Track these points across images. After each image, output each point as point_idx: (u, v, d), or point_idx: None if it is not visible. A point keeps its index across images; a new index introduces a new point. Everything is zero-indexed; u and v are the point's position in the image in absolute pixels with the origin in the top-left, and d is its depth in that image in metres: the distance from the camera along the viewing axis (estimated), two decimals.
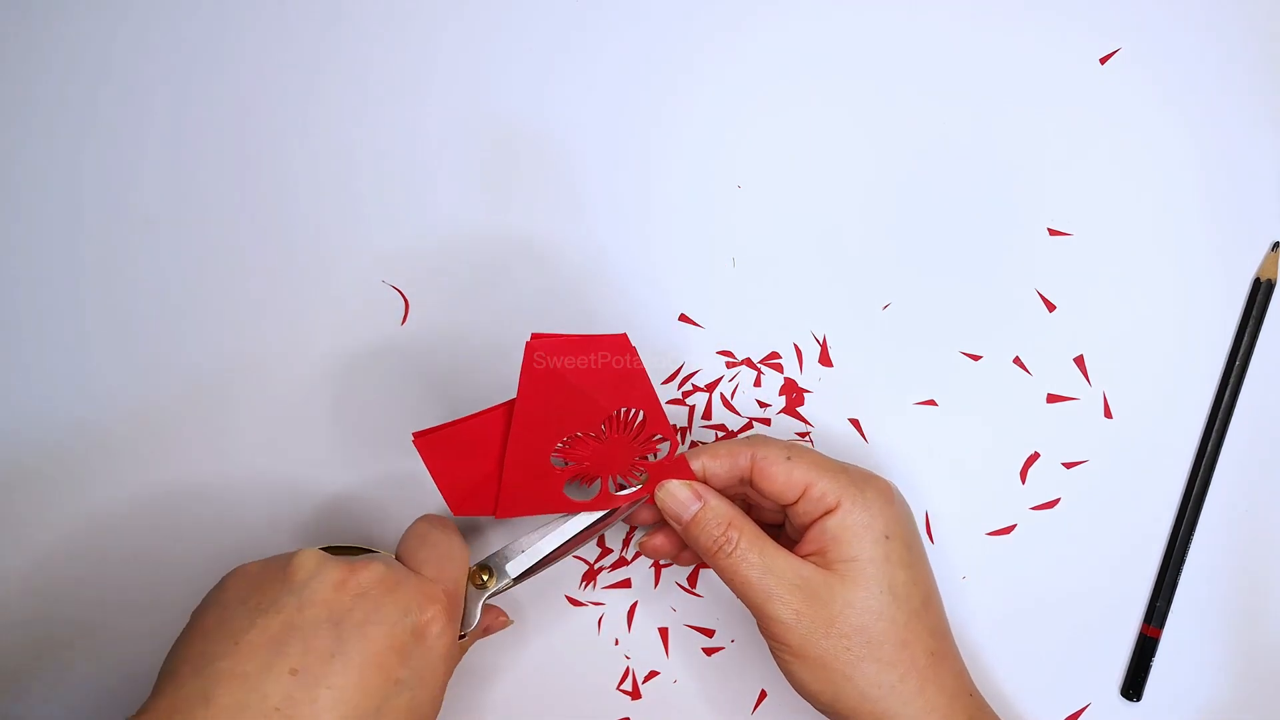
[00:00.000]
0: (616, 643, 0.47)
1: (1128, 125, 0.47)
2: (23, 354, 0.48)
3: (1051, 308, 0.47)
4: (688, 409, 0.47)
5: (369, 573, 0.37)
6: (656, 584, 0.47)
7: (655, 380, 0.47)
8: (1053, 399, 0.47)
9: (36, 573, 0.47)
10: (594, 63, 0.48)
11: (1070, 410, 0.47)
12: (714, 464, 0.41)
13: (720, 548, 0.39)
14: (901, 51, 0.48)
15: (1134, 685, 0.46)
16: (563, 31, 0.49)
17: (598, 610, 0.47)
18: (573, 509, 0.41)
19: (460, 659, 0.41)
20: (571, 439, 0.39)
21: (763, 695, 0.47)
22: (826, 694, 0.39)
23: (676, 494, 0.41)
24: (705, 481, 0.41)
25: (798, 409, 0.47)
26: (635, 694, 0.47)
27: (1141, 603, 0.46)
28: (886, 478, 0.41)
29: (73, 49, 0.49)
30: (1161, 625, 0.46)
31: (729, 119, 0.48)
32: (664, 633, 0.47)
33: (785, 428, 0.47)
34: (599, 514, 0.41)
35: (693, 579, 0.47)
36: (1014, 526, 0.47)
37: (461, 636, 0.40)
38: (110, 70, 0.49)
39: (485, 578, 0.41)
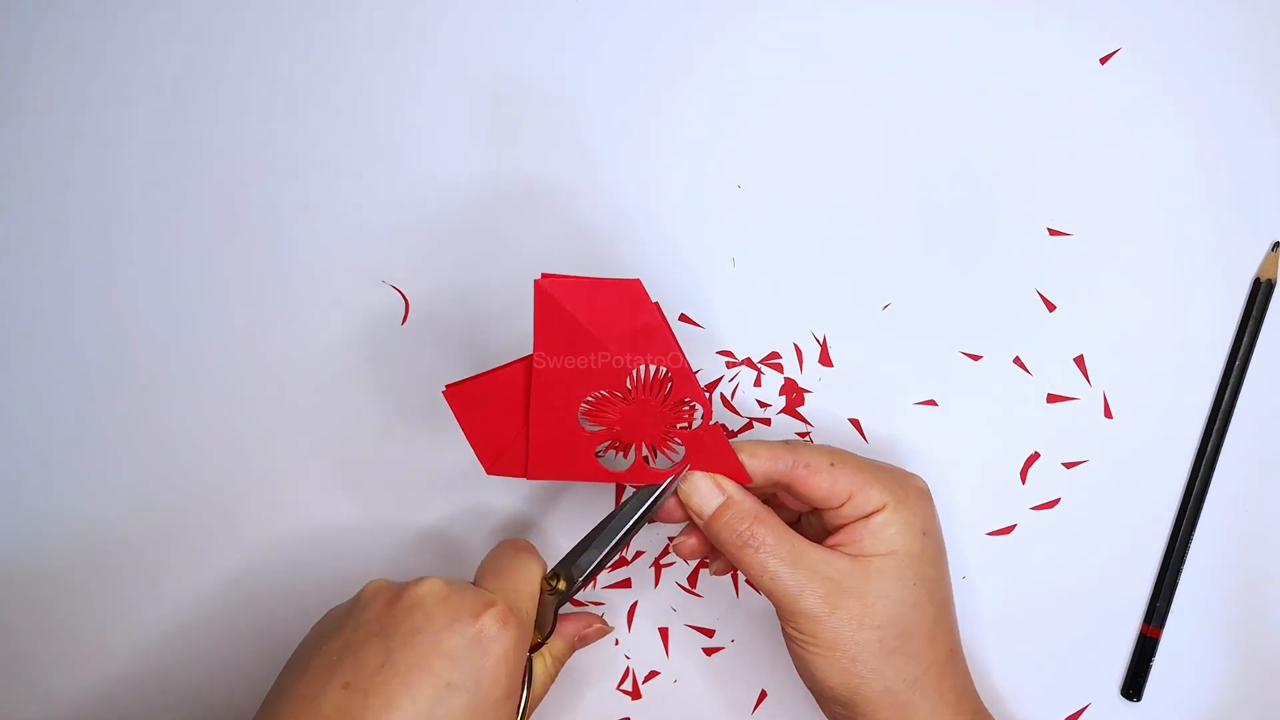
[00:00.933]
0: (616, 643, 0.47)
1: (1128, 125, 0.47)
2: (14, 351, 0.48)
3: (1051, 308, 0.47)
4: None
5: (422, 588, 0.38)
6: (656, 584, 0.47)
7: None
8: (1053, 399, 0.47)
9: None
10: (594, 64, 0.48)
11: (1070, 410, 0.47)
12: (754, 463, 0.40)
13: (746, 543, 0.39)
14: (902, 51, 0.48)
15: (1134, 685, 0.46)
16: (562, 30, 0.49)
17: (598, 610, 0.47)
18: (606, 479, 0.41)
19: (555, 668, 0.41)
20: (598, 399, 0.39)
21: (763, 695, 0.47)
22: (848, 686, 0.38)
23: (700, 487, 0.40)
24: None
25: (798, 409, 0.47)
26: (635, 694, 0.47)
27: (1141, 603, 0.46)
28: (922, 477, 0.41)
29: (65, 42, 0.49)
30: (1161, 625, 0.46)
31: (729, 119, 0.48)
32: (664, 633, 0.47)
33: (785, 428, 0.47)
34: (647, 502, 0.40)
35: (693, 579, 0.47)
36: (1014, 526, 0.47)
37: (541, 643, 0.40)
38: (103, 64, 0.49)
39: (554, 583, 0.41)
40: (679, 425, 0.40)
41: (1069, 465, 0.47)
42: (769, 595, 0.39)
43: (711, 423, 0.40)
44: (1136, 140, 0.47)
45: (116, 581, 0.47)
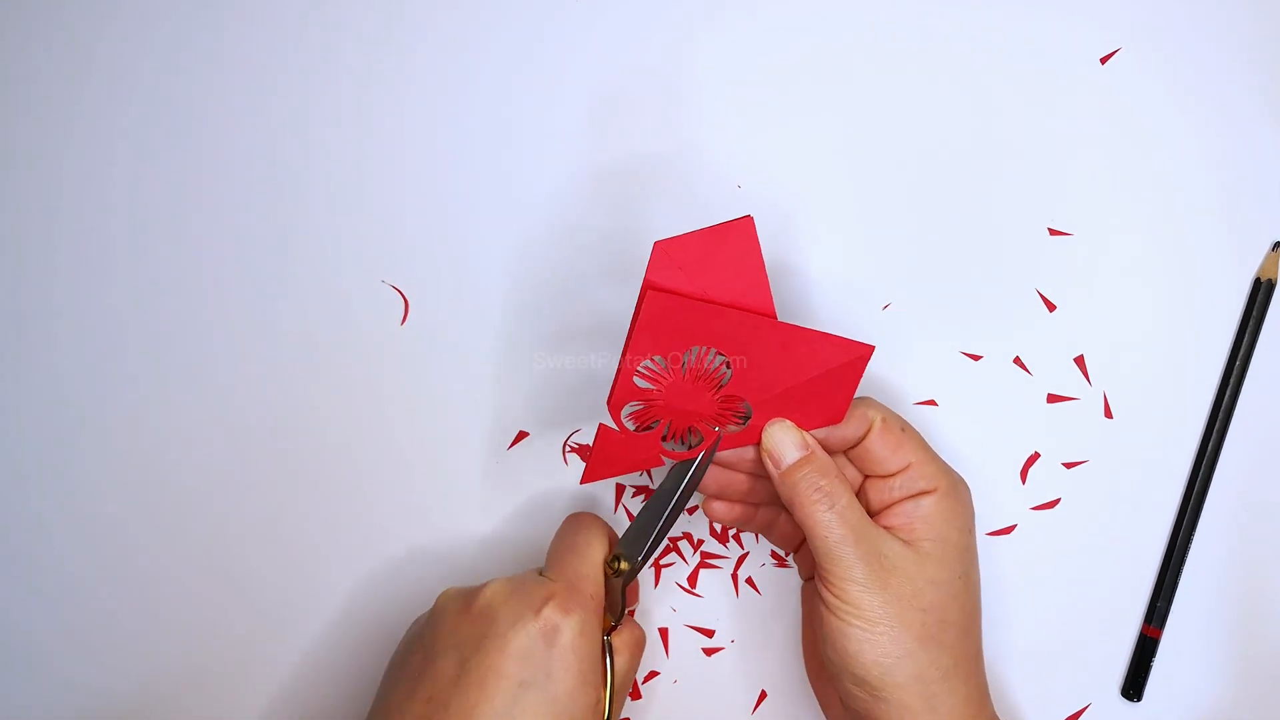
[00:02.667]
0: None
1: (1128, 125, 0.47)
2: (9, 351, 0.48)
3: (1051, 308, 0.47)
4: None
5: (487, 592, 0.39)
6: (656, 584, 0.47)
7: None
8: (1053, 399, 0.47)
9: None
10: (594, 63, 0.48)
11: (1070, 410, 0.47)
12: (853, 414, 0.40)
13: (822, 499, 0.38)
14: (901, 51, 0.48)
15: (1134, 685, 0.46)
16: (563, 31, 0.49)
17: None
18: (657, 463, 0.40)
19: (636, 650, 0.41)
20: (652, 373, 0.38)
21: (763, 695, 0.47)
22: (881, 666, 0.38)
23: (784, 437, 0.40)
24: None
25: None
26: (635, 694, 0.47)
27: (1141, 603, 0.46)
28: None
29: (72, 45, 0.49)
30: (1162, 625, 0.46)
31: (729, 119, 0.48)
32: (664, 633, 0.47)
33: None
34: (690, 471, 0.40)
35: (692, 579, 0.47)
36: (1014, 526, 0.47)
37: (614, 626, 0.40)
38: (109, 68, 0.49)
39: (616, 565, 0.41)
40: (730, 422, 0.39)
41: (1069, 465, 0.47)
42: (822, 558, 0.38)
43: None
44: (1137, 140, 0.47)
45: (116, 582, 0.47)
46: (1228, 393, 0.46)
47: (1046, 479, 0.47)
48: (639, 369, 0.38)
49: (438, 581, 0.47)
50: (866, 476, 0.41)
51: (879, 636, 0.38)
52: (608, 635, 0.40)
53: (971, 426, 0.47)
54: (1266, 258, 0.46)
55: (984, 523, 0.47)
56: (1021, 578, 0.46)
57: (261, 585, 0.47)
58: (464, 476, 0.47)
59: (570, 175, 0.48)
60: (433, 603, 0.41)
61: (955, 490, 0.40)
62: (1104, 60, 0.47)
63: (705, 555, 0.47)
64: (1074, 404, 0.47)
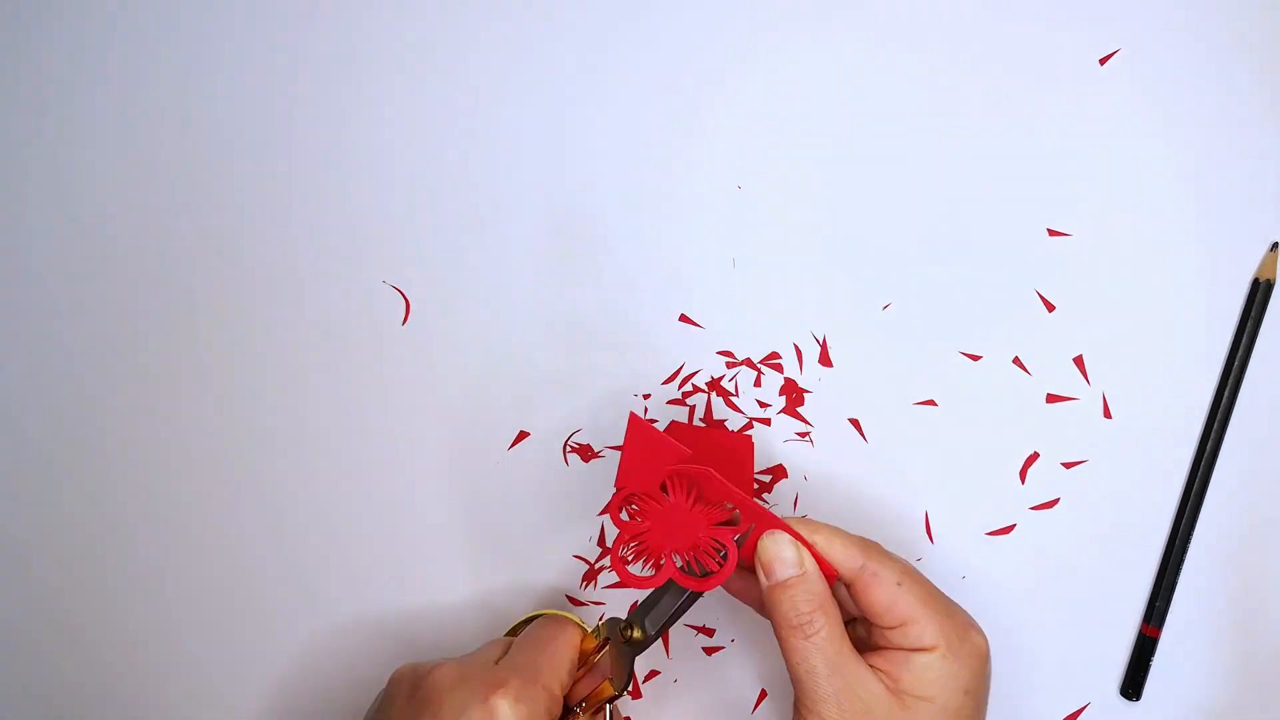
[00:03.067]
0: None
1: (1127, 125, 0.47)
2: (9, 351, 0.48)
3: (1051, 308, 0.47)
4: (688, 409, 0.47)
5: (434, 677, 0.38)
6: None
7: (655, 381, 0.47)
8: (1052, 399, 0.47)
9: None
10: (595, 64, 0.48)
11: (1070, 410, 0.47)
12: (829, 550, 0.38)
13: (801, 626, 0.37)
14: (901, 51, 0.48)
15: (1133, 685, 0.46)
16: (564, 33, 0.49)
17: (598, 610, 0.47)
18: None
19: None
20: (640, 500, 0.38)
21: (763, 695, 0.47)
22: None
23: (782, 551, 0.38)
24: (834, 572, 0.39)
25: (798, 409, 0.47)
26: (635, 694, 0.47)
27: (1141, 602, 0.46)
28: (985, 634, 0.39)
29: (73, 45, 0.49)
30: (1161, 625, 0.46)
31: (729, 119, 0.48)
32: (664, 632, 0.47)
33: (785, 428, 0.47)
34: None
35: None
36: (1014, 526, 0.47)
37: (617, 695, 0.40)
38: (108, 68, 0.49)
39: (628, 633, 0.40)
40: (720, 524, 0.39)
41: (1068, 465, 0.47)
42: (796, 684, 0.37)
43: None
44: (1136, 140, 0.47)
45: (116, 582, 0.47)
46: (1226, 393, 0.46)
47: (1046, 479, 0.47)
48: (624, 509, 0.38)
49: (438, 582, 0.47)
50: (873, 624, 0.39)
51: None
52: (610, 702, 0.40)
53: (971, 426, 0.47)
54: (1265, 258, 0.46)
55: (983, 523, 0.47)
56: (1020, 577, 0.47)
57: (261, 585, 0.47)
58: (464, 476, 0.47)
59: (570, 176, 0.48)
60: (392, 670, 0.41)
61: (958, 652, 0.37)
62: (1103, 61, 0.47)
63: None
64: (1073, 404, 0.47)
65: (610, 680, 0.40)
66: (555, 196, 0.48)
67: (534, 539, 0.47)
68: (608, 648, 0.41)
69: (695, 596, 0.40)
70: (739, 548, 0.39)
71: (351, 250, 0.48)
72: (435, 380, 0.48)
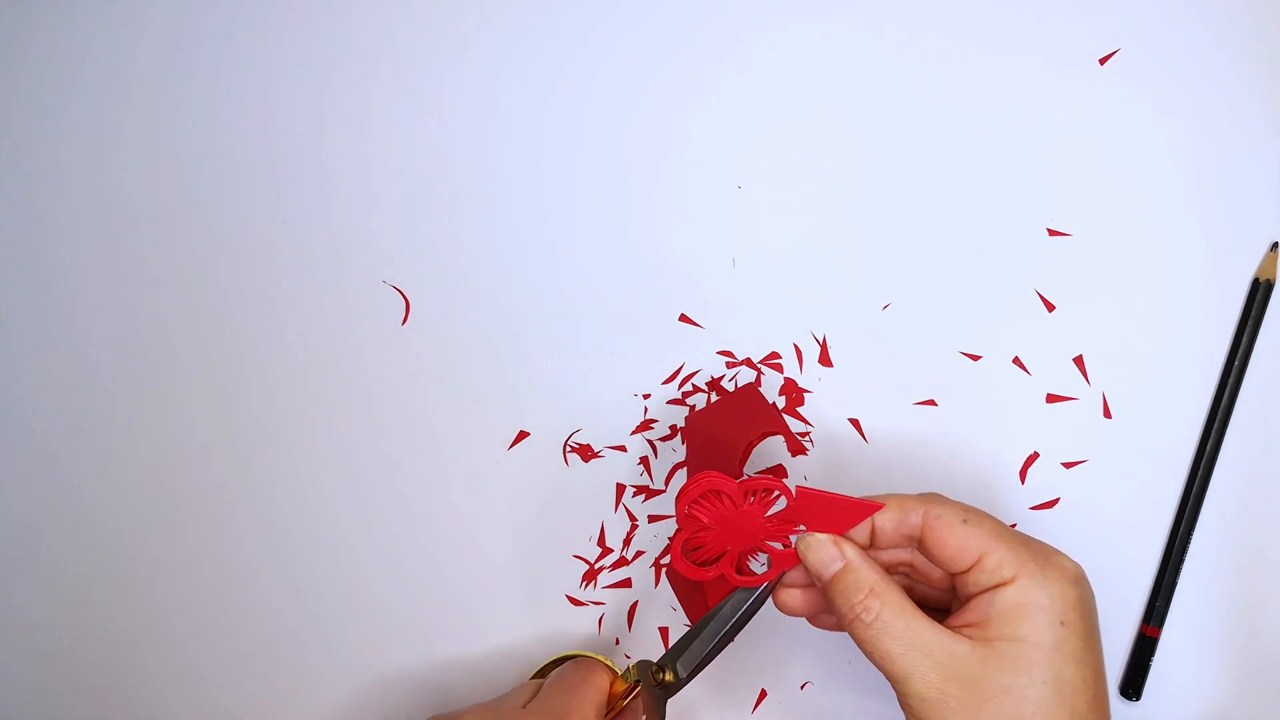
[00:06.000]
0: (617, 642, 0.47)
1: (1127, 125, 0.47)
2: (9, 351, 0.48)
3: (1051, 308, 0.47)
4: (688, 409, 0.47)
5: None
6: (657, 584, 0.47)
7: (655, 380, 0.47)
8: (1052, 399, 0.47)
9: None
10: (596, 64, 0.48)
11: (1070, 410, 0.47)
12: (880, 518, 0.37)
13: (859, 616, 0.36)
14: (901, 52, 0.48)
15: (1133, 685, 0.46)
16: (565, 33, 0.49)
17: (598, 610, 0.47)
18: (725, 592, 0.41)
19: None
20: (708, 499, 0.38)
21: (763, 695, 0.47)
22: None
23: (819, 549, 0.37)
24: (873, 538, 0.38)
25: (798, 409, 0.47)
26: None
27: (1141, 603, 0.46)
28: (1075, 560, 0.37)
29: (80, 47, 0.49)
30: (1161, 625, 0.46)
31: (730, 120, 0.48)
32: (664, 632, 0.47)
33: None
34: (753, 595, 0.40)
35: None
36: (1014, 526, 0.47)
37: None
38: (109, 67, 0.49)
39: (660, 675, 0.40)
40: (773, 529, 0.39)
41: (1068, 465, 0.47)
42: (883, 672, 0.36)
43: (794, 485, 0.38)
44: (1136, 140, 0.47)
45: (114, 582, 0.47)
46: (1226, 393, 0.46)
47: (1045, 479, 0.47)
48: (692, 505, 0.38)
49: (439, 582, 0.47)
50: (952, 574, 0.37)
51: None
52: None
53: (971, 426, 0.47)
54: (1265, 258, 0.46)
55: None
56: None
57: (260, 584, 0.47)
58: (464, 476, 0.47)
59: (570, 176, 0.48)
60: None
61: (1041, 579, 0.35)
62: (1103, 61, 0.47)
63: None
64: (1073, 404, 0.47)
65: None
66: (556, 196, 0.48)
67: (534, 539, 0.47)
68: (639, 690, 0.41)
69: (729, 638, 0.40)
70: (794, 545, 0.39)
71: (351, 250, 0.48)
72: (435, 380, 0.48)
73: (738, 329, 0.48)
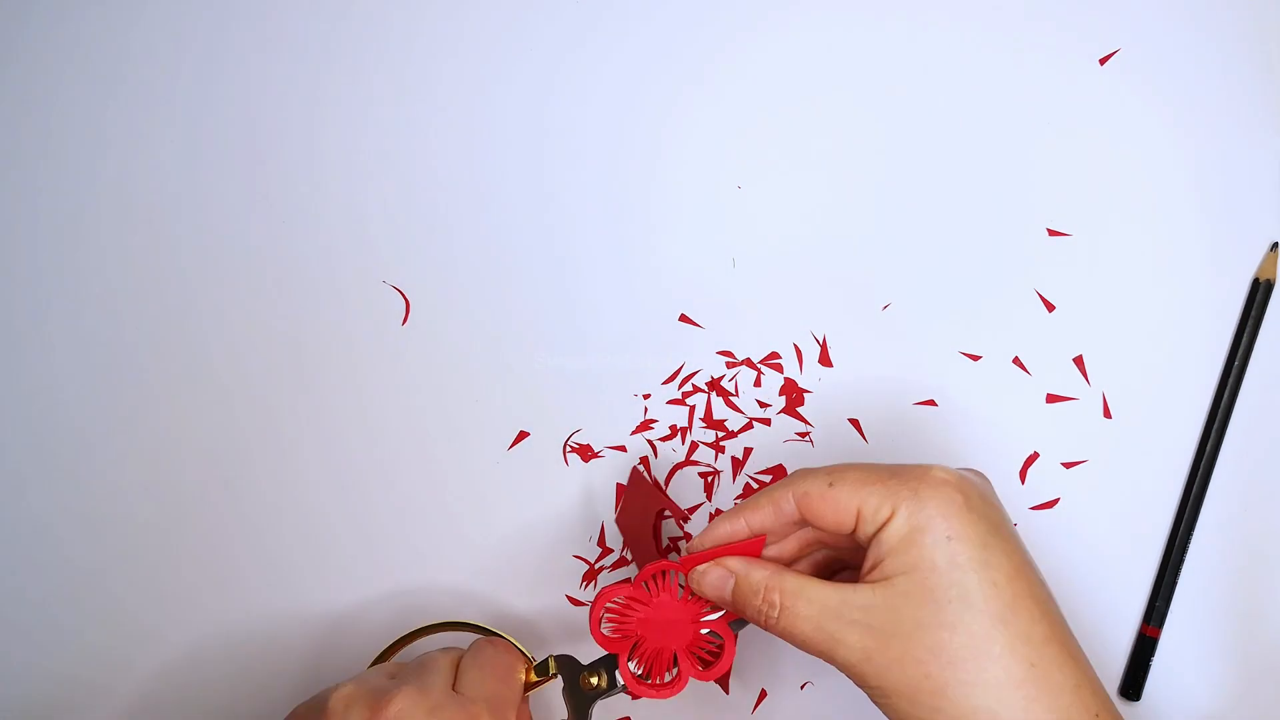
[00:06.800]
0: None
1: (1127, 126, 0.47)
2: (8, 351, 0.48)
3: (1051, 308, 0.47)
4: (688, 409, 0.47)
5: (395, 707, 0.36)
6: None
7: (655, 381, 0.47)
8: (1052, 399, 0.47)
9: None
10: (596, 64, 0.48)
11: (1070, 410, 0.47)
12: (755, 517, 0.37)
13: (766, 616, 0.36)
14: (901, 52, 0.48)
15: (1133, 685, 0.46)
16: (566, 34, 0.49)
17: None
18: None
19: None
20: (618, 606, 0.38)
21: (763, 695, 0.47)
22: None
23: (707, 578, 0.38)
24: (767, 543, 0.38)
25: (798, 409, 0.47)
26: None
27: (1141, 603, 0.46)
28: (953, 468, 0.36)
29: (79, 50, 0.49)
30: (1161, 625, 0.46)
31: (729, 119, 0.48)
32: None
33: (785, 428, 0.47)
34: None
35: None
36: (1013, 526, 0.47)
37: None
38: (108, 67, 0.49)
39: (595, 681, 0.40)
40: (705, 619, 0.39)
41: (1068, 465, 0.47)
42: (820, 658, 0.35)
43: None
44: (1136, 141, 0.47)
45: (113, 583, 0.47)
46: (1226, 393, 0.46)
47: (1045, 479, 0.47)
48: (603, 626, 0.38)
49: (438, 582, 0.47)
50: (850, 537, 0.37)
51: (898, 704, 0.33)
52: None
53: (971, 426, 0.47)
54: (1265, 258, 0.46)
55: None
56: None
57: (259, 585, 0.47)
58: (464, 476, 0.47)
59: (570, 176, 0.48)
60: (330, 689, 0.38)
61: (917, 502, 0.34)
62: (1103, 61, 0.47)
63: None
64: (1073, 404, 0.47)
65: None
66: (556, 196, 0.48)
67: (534, 539, 0.47)
68: (563, 689, 0.40)
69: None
70: (733, 632, 0.39)
71: (351, 250, 0.48)
72: (435, 380, 0.48)
73: (738, 329, 0.48)
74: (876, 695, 0.34)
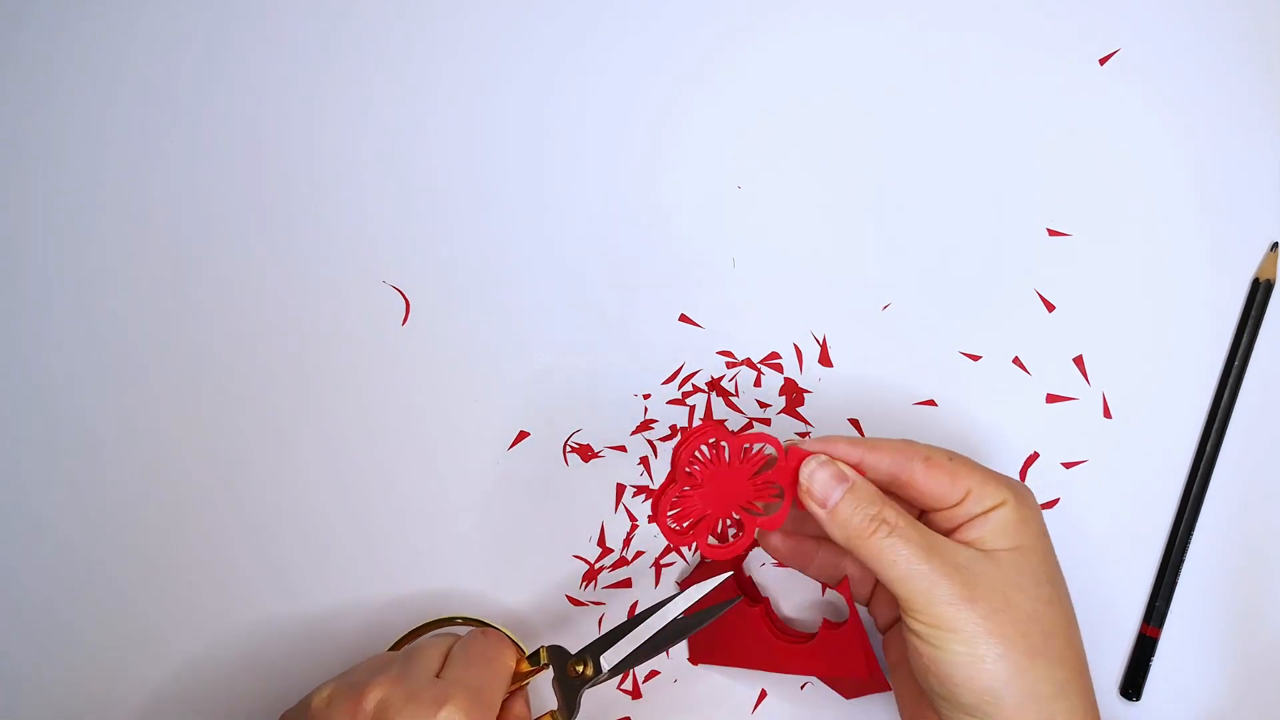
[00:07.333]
0: None
1: (1127, 126, 0.47)
2: (7, 351, 0.48)
3: (1051, 308, 0.47)
4: (688, 409, 0.47)
5: (374, 696, 0.37)
6: (657, 584, 0.47)
7: (655, 381, 0.47)
8: (1052, 399, 0.47)
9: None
10: (596, 64, 0.48)
11: (1070, 410, 0.47)
12: (874, 457, 0.38)
13: (878, 528, 0.36)
14: (901, 52, 0.48)
15: (1133, 685, 0.46)
16: (566, 34, 0.49)
17: (598, 610, 0.47)
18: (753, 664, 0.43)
19: None
20: (681, 498, 0.38)
21: (763, 695, 0.47)
22: (990, 690, 0.35)
23: (820, 475, 0.38)
24: (864, 472, 0.38)
25: (798, 409, 0.47)
26: (635, 694, 0.47)
27: (1141, 603, 0.46)
28: None
29: (79, 53, 0.49)
30: (1161, 625, 0.46)
31: (729, 119, 0.48)
32: None
33: (785, 428, 0.47)
34: (692, 599, 0.40)
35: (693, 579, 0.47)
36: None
37: None
38: (108, 67, 0.49)
39: (581, 668, 0.40)
40: (759, 474, 0.39)
41: (1068, 465, 0.47)
42: (898, 586, 0.36)
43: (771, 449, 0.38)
44: (1136, 141, 0.47)
45: (109, 581, 0.47)
46: (1226, 393, 0.46)
47: (1045, 479, 0.47)
48: (690, 460, 0.38)
49: (439, 582, 0.47)
50: (925, 511, 0.39)
51: (981, 657, 0.35)
52: None
53: (971, 426, 0.47)
54: (1265, 258, 0.46)
55: None
56: None
57: (259, 585, 0.47)
58: (464, 476, 0.47)
59: (570, 175, 0.48)
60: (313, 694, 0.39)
61: (1023, 499, 0.38)
62: (1103, 61, 0.47)
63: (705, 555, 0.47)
64: (1073, 404, 0.47)
65: (553, 713, 0.40)
66: (556, 196, 0.48)
67: (534, 539, 0.47)
68: (552, 679, 0.40)
69: (659, 646, 0.40)
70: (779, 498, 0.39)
71: (351, 250, 0.48)
72: (435, 380, 0.48)
73: (738, 329, 0.48)
74: (956, 642, 0.35)
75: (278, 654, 0.47)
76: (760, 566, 0.47)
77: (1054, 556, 0.38)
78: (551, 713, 0.40)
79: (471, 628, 0.43)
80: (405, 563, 0.47)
